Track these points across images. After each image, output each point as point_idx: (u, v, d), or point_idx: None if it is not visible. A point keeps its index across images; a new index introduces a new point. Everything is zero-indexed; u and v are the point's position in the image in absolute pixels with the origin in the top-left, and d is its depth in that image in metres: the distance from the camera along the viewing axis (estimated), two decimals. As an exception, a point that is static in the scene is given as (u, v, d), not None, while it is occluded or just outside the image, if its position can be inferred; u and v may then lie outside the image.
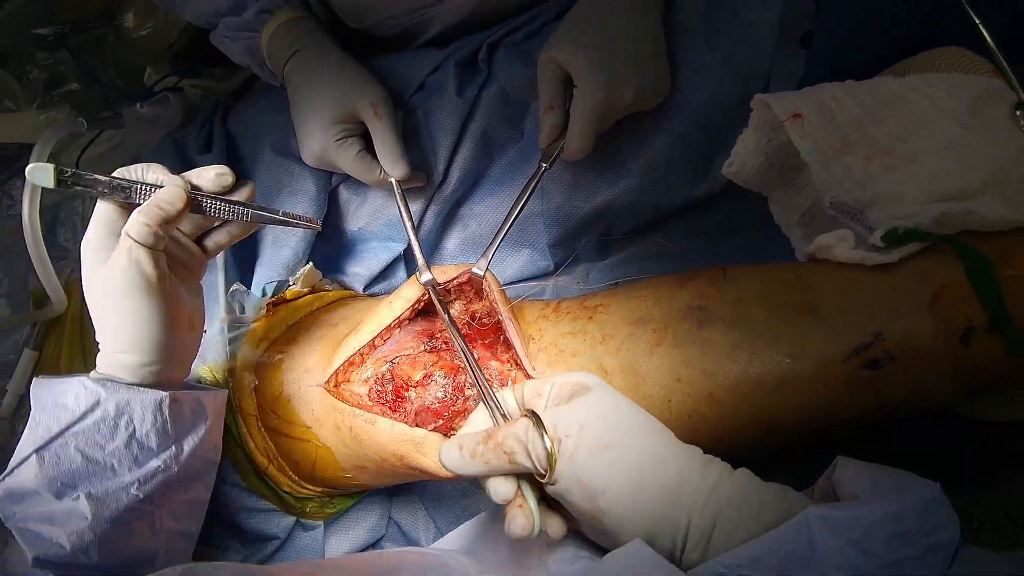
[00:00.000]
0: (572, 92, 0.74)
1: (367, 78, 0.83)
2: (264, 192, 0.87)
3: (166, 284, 0.60)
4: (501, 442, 0.53)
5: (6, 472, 0.58)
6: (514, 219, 0.74)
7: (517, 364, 0.71)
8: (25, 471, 0.58)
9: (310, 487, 0.81)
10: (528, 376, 0.69)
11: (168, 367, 0.63)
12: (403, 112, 0.88)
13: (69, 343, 0.87)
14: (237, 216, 0.63)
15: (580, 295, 0.79)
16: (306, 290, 0.83)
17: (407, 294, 0.75)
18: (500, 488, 0.54)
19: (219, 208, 0.62)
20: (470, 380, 0.68)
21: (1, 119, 1.00)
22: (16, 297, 0.94)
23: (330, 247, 0.91)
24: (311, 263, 0.84)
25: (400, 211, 0.79)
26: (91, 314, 0.62)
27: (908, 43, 0.73)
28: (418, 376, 0.72)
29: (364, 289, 0.89)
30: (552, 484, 0.52)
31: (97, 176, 0.59)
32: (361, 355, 0.74)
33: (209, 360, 0.77)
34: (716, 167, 0.80)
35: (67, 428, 0.58)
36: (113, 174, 0.60)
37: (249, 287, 0.82)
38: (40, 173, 0.57)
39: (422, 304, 0.75)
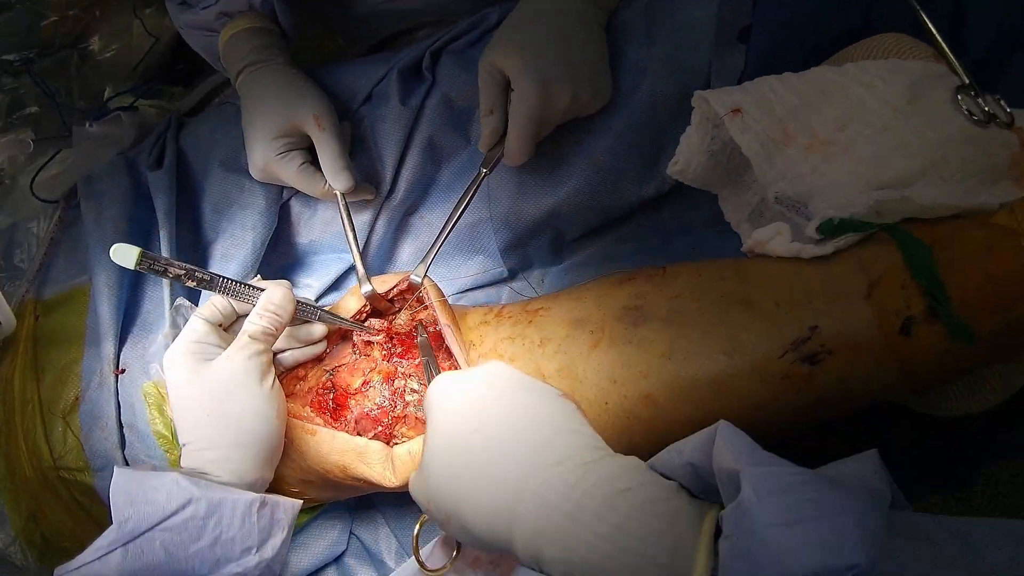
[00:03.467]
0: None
1: (311, 91, 0.82)
2: (214, 206, 0.87)
3: (278, 382, 0.63)
4: None
5: (86, 560, 0.56)
6: (451, 226, 0.73)
7: (459, 371, 0.70)
8: (105, 564, 0.56)
9: (259, 503, 0.80)
10: None
11: (262, 467, 0.63)
12: (351, 124, 0.87)
13: (23, 362, 0.86)
14: (315, 318, 0.70)
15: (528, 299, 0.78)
16: (254, 304, 0.82)
17: (348, 305, 0.74)
18: None
19: (307, 312, 0.68)
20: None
21: (-37, 144, 1.00)
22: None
23: (281, 260, 0.90)
24: (259, 276, 0.83)
25: (343, 223, 0.78)
26: (178, 416, 0.62)
27: (847, 33, 0.72)
28: (357, 383, 0.71)
29: (316, 301, 0.88)
30: None
31: (184, 265, 0.62)
32: (303, 367, 0.73)
33: (153, 376, 0.76)
34: (662, 166, 0.78)
35: (156, 525, 0.56)
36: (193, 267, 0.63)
37: (196, 302, 0.81)
38: (122, 253, 0.59)
39: (364, 315, 0.74)
